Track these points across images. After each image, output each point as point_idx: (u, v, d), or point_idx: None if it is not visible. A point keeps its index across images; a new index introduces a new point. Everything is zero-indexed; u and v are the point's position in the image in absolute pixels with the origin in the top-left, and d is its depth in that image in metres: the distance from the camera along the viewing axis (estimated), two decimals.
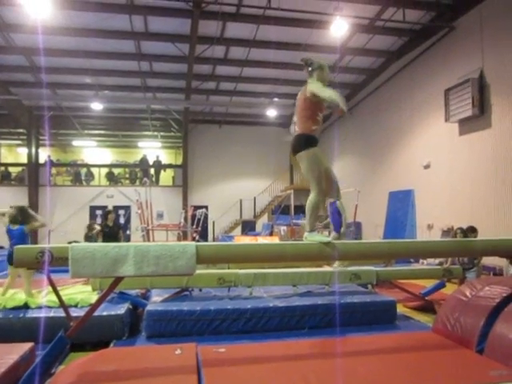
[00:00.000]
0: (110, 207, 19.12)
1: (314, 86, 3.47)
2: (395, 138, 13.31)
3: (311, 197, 3.54)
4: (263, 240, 10.58)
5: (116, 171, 21.04)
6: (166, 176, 21.24)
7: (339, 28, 10.28)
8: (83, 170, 20.57)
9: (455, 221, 10.14)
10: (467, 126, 9.98)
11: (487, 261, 8.05)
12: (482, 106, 9.39)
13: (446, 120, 10.41)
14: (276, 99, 17.08)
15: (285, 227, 13.74)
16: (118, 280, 3.17)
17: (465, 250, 3.76)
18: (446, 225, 10.33)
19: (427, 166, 11.56)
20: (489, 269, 8.43)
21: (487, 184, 9.37)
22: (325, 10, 10.11)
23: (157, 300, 4.91)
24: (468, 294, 3.98)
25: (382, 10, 10.58)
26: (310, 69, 3.66)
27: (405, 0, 9.95)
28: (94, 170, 20.57)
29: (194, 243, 3.14)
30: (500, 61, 9.04)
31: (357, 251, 3.59)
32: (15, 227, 5.33)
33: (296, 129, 3.58)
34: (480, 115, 9.43)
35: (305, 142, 3.43)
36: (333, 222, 7.17)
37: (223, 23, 11.13)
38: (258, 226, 18.49)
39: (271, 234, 14.09)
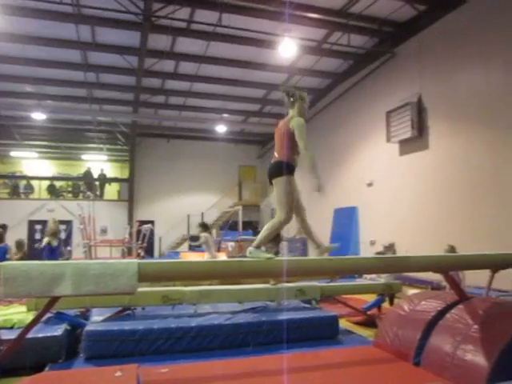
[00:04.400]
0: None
1: (298, 126, 3.56)
2: (341, 156, 13.75)
3: (276, 219, 3.57)
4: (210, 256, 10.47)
5: (58, 184, 20.20)
6: (112, 190, 20.66)
7: (288, 49, 10.56)
8: (22, 183, 19.57)
9: (396, 237, 10.55)
10: (407, 146, 10.51)
11: (426, 275, 8.42)
12: (420, 128, 9.93)
13: (388, 140, 10.90)
14: (226, 115, 17.18)
15: (233, 243, 13.73)
16: (54, 300, 3.02)
17: (400, 266, 3.92)
18: (387, 241, 10.72)
19: (370, 184, 12.01)
20: (427, 283, 8.81)
21: (425, 202, 9.87)
22: (274, 31, 10.36)
23: (97, 320, 4.72)
24: (406, 308, 4.15)
25: (329, 34, 10.99)
26: (291, 99, 3.73)
27: (350, 26, 10.40)
28: (34, 183, 19.63)
29: (136, 261, 3.06)
30: (436, 86, 9.64)
31: (299, 268, 3.64)
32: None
33: (276, 155, 3.66)
34: (418, 137, 9.96)
35: (284, 168, 3.54)
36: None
37: (173, 38, 11.11)
38: None
39: (218, 250, 14.00)
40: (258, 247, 3.47)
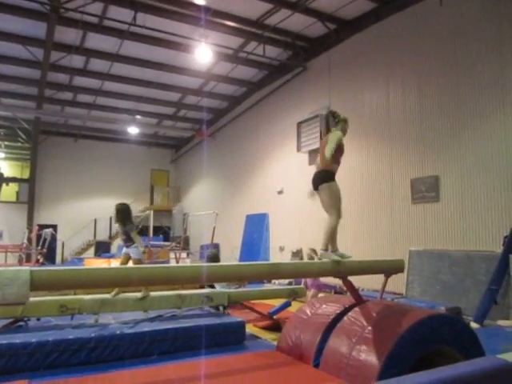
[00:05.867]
0: None
1: (334, 135, 4.24)
2: (253, 163, 14.00)
3: (331, 221, 4.14)
4: (116, 263, 10.06)
5: None
6: (9, 191, 19.01)
7: (204, 54, 10.57)
8: None
9: (303, 243, 10.96)
10: (315, 156, 10.97)
11: (329, 280, 8.83)
12: None
13: (298, 150, 11.33)
14: (138, 117, 16.69)
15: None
16: None
17: (302, 272, 4.09)
18: (295, 247, 11.11)
19: (280, 192, 12.37)
20: (330, 287, 9.24)
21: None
22: (191, 35, 10.30)
23: None
24: (308, 312, 4.30)
25: (245, 43, 11.19)
26: (336, 120, 4.45)
27: (265, 37, 10.68)
28: None
29: (28, 268, 2.83)
30: (343, 101, 10.23)
31: (209, 274, 3.62)
32: None
33: (319, 165, 4.38)
34: None
35: (329, 176, 4.21)
36: None
37: (84, 32, 10.57)
38: (114, 248, 17.59)
39: None
40: (326, 250, 3.99)
